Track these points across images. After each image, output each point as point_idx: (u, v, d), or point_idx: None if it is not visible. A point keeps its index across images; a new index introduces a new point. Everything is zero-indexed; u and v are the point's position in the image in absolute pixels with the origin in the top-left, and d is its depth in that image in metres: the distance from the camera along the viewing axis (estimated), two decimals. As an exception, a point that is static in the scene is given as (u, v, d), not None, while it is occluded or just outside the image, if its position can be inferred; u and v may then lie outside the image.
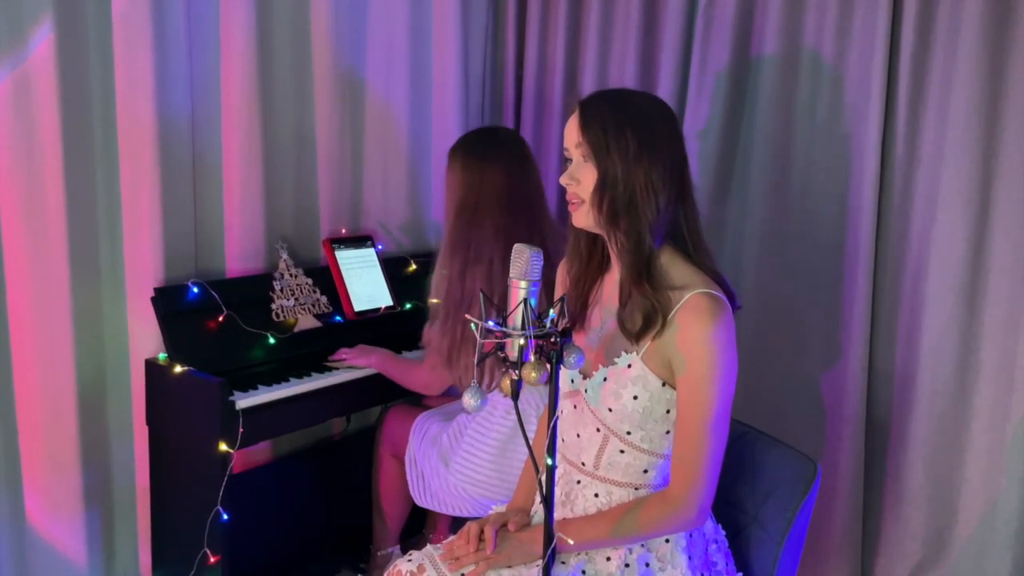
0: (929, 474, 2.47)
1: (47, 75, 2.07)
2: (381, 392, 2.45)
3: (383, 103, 2.80)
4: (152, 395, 2.25)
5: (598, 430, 1.55)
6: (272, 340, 2.34)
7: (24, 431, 2.16)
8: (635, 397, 1.49)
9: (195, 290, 2.25)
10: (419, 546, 1.79)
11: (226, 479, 2.08)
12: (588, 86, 2.95)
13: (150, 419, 2.27)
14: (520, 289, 1.30)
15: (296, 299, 2.45)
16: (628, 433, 1.53)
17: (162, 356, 2.22)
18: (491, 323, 1.29)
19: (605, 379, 1.53)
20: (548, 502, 1.32)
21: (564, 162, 1.56)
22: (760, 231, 2.67)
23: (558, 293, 1.73)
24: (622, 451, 1.54)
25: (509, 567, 1.53)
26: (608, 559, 1.54)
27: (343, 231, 2.72)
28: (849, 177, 2.50)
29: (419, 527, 2.73)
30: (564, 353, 1.29)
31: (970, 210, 2.35)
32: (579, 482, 1.60)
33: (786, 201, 2.63)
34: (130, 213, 2.23)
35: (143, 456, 2.32)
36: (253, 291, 2.39)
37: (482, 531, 1.56)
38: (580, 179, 1.50)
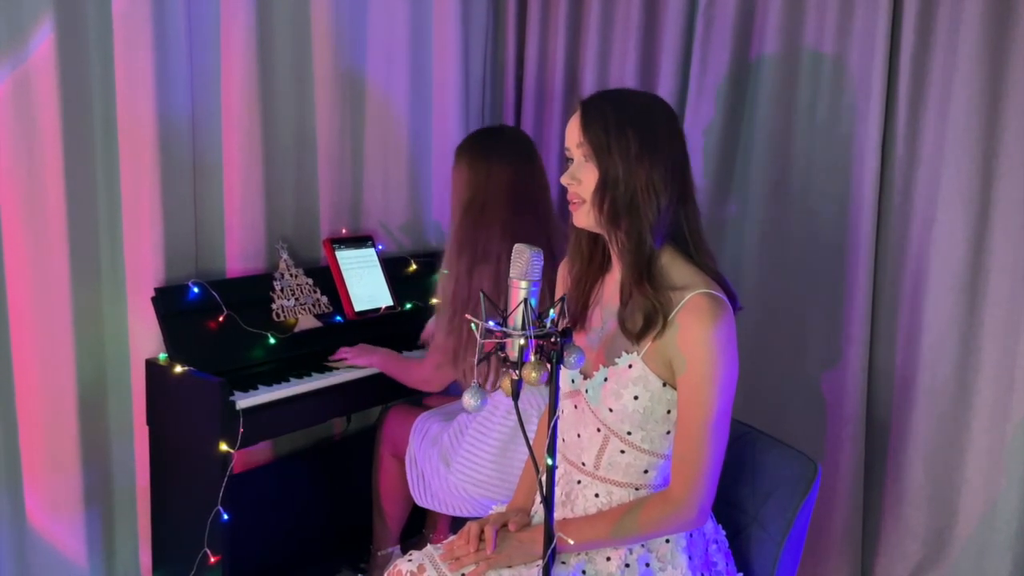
0: (929, 474, 2.47)
1: (47, 75, 2.07)
2: (381, 392, 2.45)
3: (383, 103, 2.80)
4: (152, 395, 2.25)
5: (598, 430, 1.55)
6: (272, 340, 2.34)
7: (24, 431, 2.16)
8: (636, 397, 1.49)
9: (195, 290, 2.26)
10: (419, 546, 1.79)
11: (226, 479, 2.08)
12: (588, 86, 2.95)
13: (150, 419, 2.27)
14: (520, 289, 1.30)
15: (296, 299, 2.45)
16: (629, 433, 1.52)
17: (162, 356, 2.22)
18: (491, 323, 1.29)
19: (606, 379, 1.53)
20: (548, 502, 1.32)
21: (565, 162, 1.56)
22: (760, 231, 2.67)
23: (559, 293, 1.73)
24: (622, 451, 1.54)
25: (509, 567, 1.53)
26: (608, 559, 1.54)
27: (343, 231, 2.72)
28: (849, 177, 2.50)
29: (419, 527, 2.73)
30: (564, 353, 1.29)
31: (970, 210, 2.35)
32: (579, 482, 1.60)
33: (786, 201, 2.63)
34: (130, 213, 2.23)
35: (143, 456, 2.32)
36: (253, 291, 2.39)
37: (482, 531, 1.56)
38: (581, 179, 1.50)
